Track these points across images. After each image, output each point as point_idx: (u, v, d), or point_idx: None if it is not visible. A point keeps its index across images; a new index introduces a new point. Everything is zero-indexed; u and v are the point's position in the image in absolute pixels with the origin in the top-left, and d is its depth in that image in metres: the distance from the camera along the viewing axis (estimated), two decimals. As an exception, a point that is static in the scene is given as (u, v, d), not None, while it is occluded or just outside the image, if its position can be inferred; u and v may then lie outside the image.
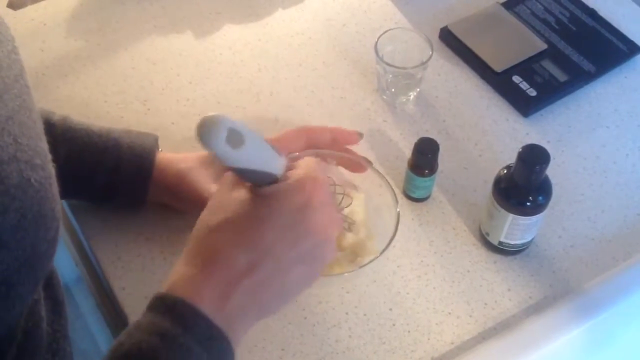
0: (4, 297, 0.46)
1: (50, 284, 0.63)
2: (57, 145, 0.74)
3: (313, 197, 0.56)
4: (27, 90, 0.52)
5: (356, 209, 0.74)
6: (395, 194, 0.72)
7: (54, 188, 0.50)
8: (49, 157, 0.51)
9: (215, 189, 0.67)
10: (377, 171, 0.74)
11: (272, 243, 0.54)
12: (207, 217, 0.57)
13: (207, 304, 0.52)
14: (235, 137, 0.52)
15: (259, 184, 0.57)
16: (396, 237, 0.70)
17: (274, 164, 0.57)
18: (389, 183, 0.73)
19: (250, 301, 0.54)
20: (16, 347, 0.54)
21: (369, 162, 0.77)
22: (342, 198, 0.74)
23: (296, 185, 0.56)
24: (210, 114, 0.51)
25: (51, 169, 0.51)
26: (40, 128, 0.51)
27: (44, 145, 0.50)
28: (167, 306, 0.52)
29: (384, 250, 0.69)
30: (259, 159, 0.55)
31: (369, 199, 0.75)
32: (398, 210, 0.71)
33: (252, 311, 0.55)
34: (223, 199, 0.57)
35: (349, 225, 0.73)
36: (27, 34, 1.00)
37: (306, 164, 0.59)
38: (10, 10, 1.01)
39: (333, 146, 0.78)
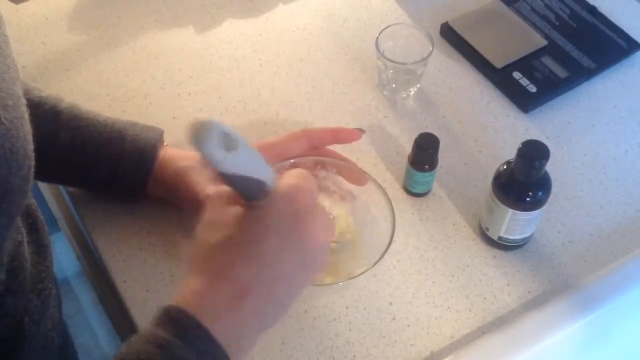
0: None
1: (35, 228, 0.66)
2: (61, 131, 0.76)
3: (303, 204, 0.56)
4: (4, 39, 0.54)
5: (346, 221, 0.75)
6: (392, 206, 0.71)
7: (26, 129, 0.52)
8: (23, 100, 0.53)
9: (211, 190, 0.68)
10: (375, 181, 0.74)
11: (273, 254, 0.54)
12: (207, 235, 0.56)
13: (210, 318, 0.52)
14: (228, 141, 0.51)
15: (249, 195, 0.56)
16: (396, 232, 0.70)
17: (266, 173, 0.56)
18: (386, 194, 0.73)
19: (253, 314, 0.54)
20: (3, 286, 0.56)
21: (367, 174, 0.77)
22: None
23: (286, 196, 0.56)
24: (201, 118, 0.50)
25: (24, 111, 0.53)
26: (15, 73, 0.53)
27: (17, 89, 0.53)
28: (170, 317, 0.52)
29: (376, 262, 0.69)
30: (252, 165, 0.54)
31: (366, 210, 0.75)
32: (394, 223, 0.71)
33: (254, 325, 0.54)
34: (218, 215, 0.57)
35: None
36: (29, 28, 1.00)
37: (291, 173, 0.59)
38: (12, 5, 1.02)
39: (334, 147, 0.79)
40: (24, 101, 0.53)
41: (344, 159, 0.79)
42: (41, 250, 0.66)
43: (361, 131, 0.81)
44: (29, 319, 0.62)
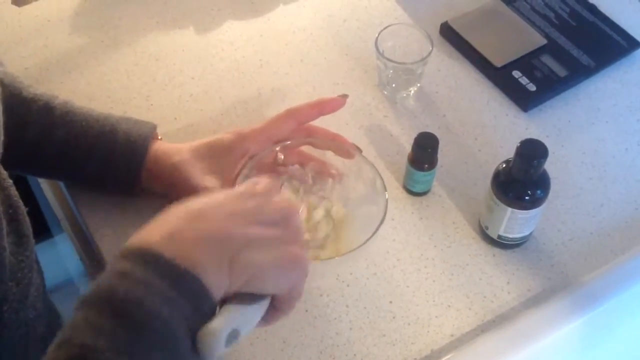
0: None
1: (15, 219, 0.66)
2: (55, 127, 0.77)
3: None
4: None
5: (337, 201, 0.76)
6: (383, 181, 0.72)
7: None
8: None
9: (208, 181, 0.69)
10: (366, 159, 0.75)
11: (220, 202, 0.54)
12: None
13: (157, 242, 0.50)
14: (234, 335, 0.51)
15: None
16: (396, 231, 0.70)
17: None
18: (377, 170, 0.73)
19: (203, 230, 0.51)
20: None
21: (359, 150, 0.78)
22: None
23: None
24: (210, 326, 0.49)
25: None
26: None
27: None
28: (122, 254, 0.51)
29: (372, 235, 0.68)
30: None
31: (357, 187, 0.76)
32: (386, 197, 0.71)
33: (210, 242, 0.51)
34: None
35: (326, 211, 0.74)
36: (31, 31, 1.01)
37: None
38: (14, 7, 1.02)
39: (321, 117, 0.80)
40: None
41: (333, 135, 0.80)
42: (22, 240, 0.66)
43: (345, 96, 0.81)
44: (8, 307, 0.63)
